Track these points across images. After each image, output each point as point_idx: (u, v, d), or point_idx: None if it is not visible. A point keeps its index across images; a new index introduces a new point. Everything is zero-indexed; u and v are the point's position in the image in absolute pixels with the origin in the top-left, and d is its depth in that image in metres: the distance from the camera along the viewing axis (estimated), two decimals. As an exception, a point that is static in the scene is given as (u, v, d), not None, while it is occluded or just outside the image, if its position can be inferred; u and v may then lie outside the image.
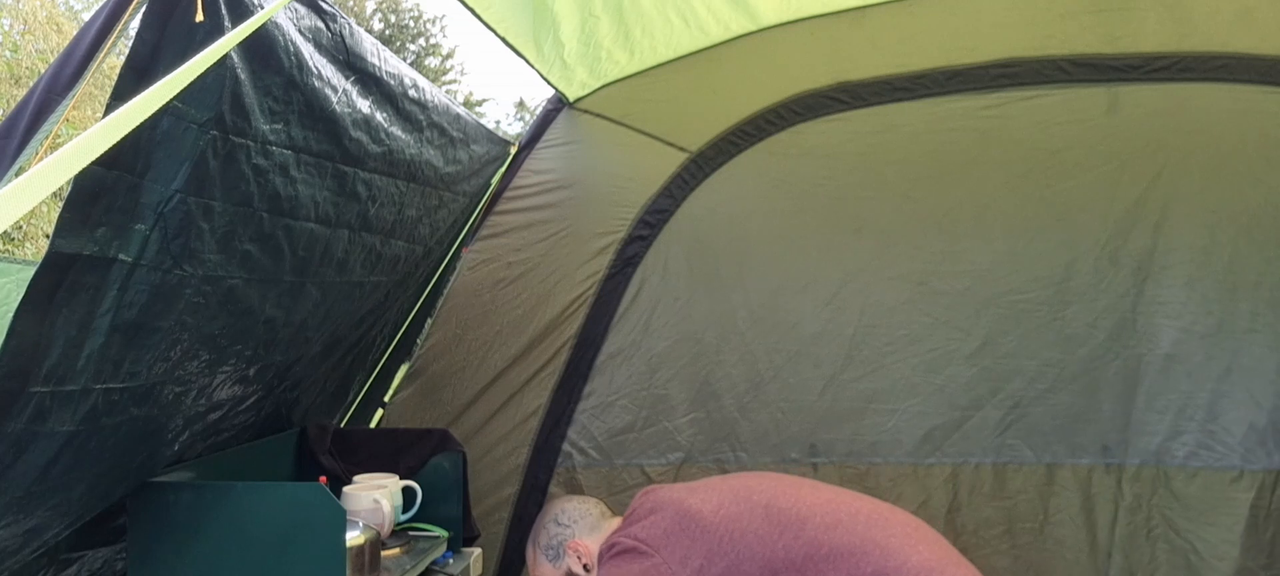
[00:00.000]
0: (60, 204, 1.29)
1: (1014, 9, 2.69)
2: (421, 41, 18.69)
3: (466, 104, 13.15)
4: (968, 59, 2.73)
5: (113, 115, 0.84)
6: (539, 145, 2.89)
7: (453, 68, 18.76)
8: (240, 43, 1.36)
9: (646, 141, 2.86)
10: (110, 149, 0.86)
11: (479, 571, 2.50)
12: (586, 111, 2.89)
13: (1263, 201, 2.65)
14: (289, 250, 1.77)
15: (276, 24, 1.48)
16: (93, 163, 0.87)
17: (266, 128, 1.53)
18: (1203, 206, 2.67)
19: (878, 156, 2.79)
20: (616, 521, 2.48)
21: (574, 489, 2.88)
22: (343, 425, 2.77)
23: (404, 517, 2.34)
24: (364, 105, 1.80)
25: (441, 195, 2.38)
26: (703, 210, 2.86)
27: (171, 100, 1.10)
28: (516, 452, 2.87)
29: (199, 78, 0.98)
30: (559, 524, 2.54)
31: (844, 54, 2.77)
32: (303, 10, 1.57)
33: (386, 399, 2.94)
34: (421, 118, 2.07)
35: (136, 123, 0.88)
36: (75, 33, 1.30)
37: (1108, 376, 2.71)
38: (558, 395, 2.87)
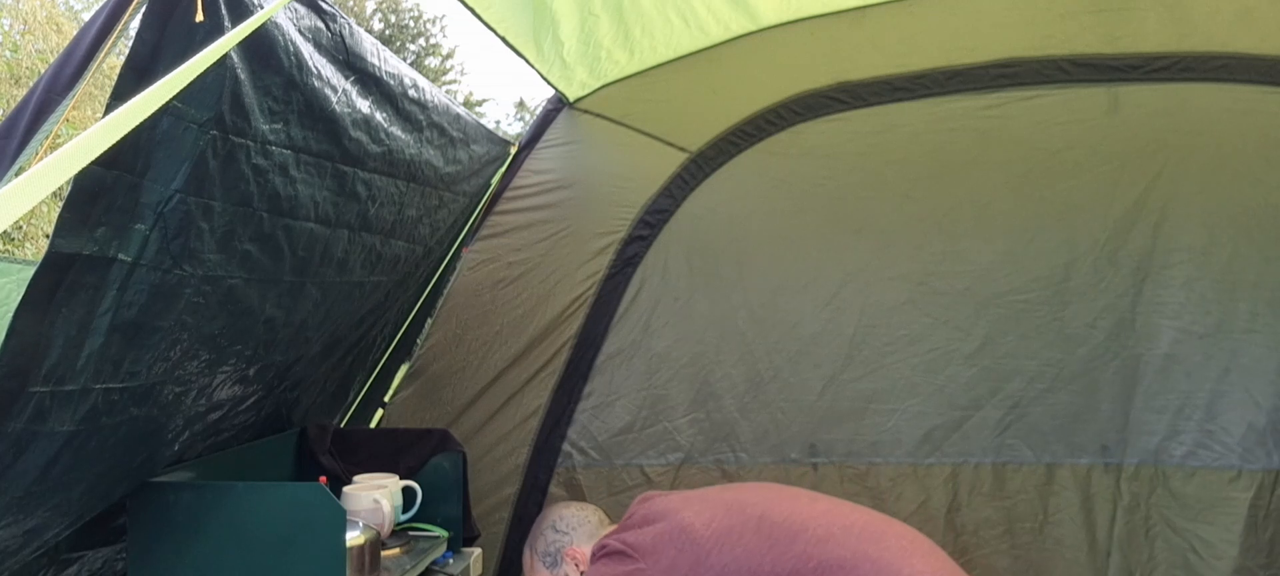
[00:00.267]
0: (60, 204, 1.29)
1: (1014, 9, 2.69)
2: (421, 41, 18.69)
3: (466, 104, 13.16)
4: (968, 59, 2.73)
5: (113, 115, 0.84)
6: (539, 145, 2.89)
7: (453, 68, 18.77)
8: (240, 43, 1.36)
9: (646, 141, 2.86)
10: (110, 149, 0.86)
11: (479, 571, 2.50)
12: (586, 111, 2.89)
13: (1262, 201, 2.65)
14: (289, 250, 1.77)
15: (276, 24, 1.48)
16: (93, 163, 0.87)
17: (266, 127, 1.53)
18: (1202, 206, 2.67)
19: (878, 156, 2.79)
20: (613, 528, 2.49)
21: (574, 489, 2.88)
22: (343, 425, 2.77)
23: (404, 517, 2.34)
24: (364, 105, 1.80)
25: (441, 195, 2.38)
26: (703, 210, 2.86)
27: (171, 100, 1.10)
28: (516, 452, 2.87)
29: (199, 78, 0.98)
30: (557, 530, 2.55)
31: (844, 54, 2.77)
32: (303, 10, 1.57)
33: (386, 399, 2.94)
34: (421, 118, 2.07)
35: (136, 123, 0.88)
36: (75, 33, 1.30)
37: (1107, 376, 2.71)
38: (558, 395, 2.87)
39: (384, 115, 1.89)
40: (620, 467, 2.88)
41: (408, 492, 2.36)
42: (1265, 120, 2.62)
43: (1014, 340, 2.74)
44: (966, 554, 2.75)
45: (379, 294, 2.35)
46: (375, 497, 2.20)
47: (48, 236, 1.36)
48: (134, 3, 1.26)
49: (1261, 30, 2.59)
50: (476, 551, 2.49)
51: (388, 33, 18.19)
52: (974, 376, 2.75)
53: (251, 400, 2.07)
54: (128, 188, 1.33)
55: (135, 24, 1.28)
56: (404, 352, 2.95)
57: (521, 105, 18.28)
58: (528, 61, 2.53)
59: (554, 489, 2.89)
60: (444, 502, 2.43)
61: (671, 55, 2.80)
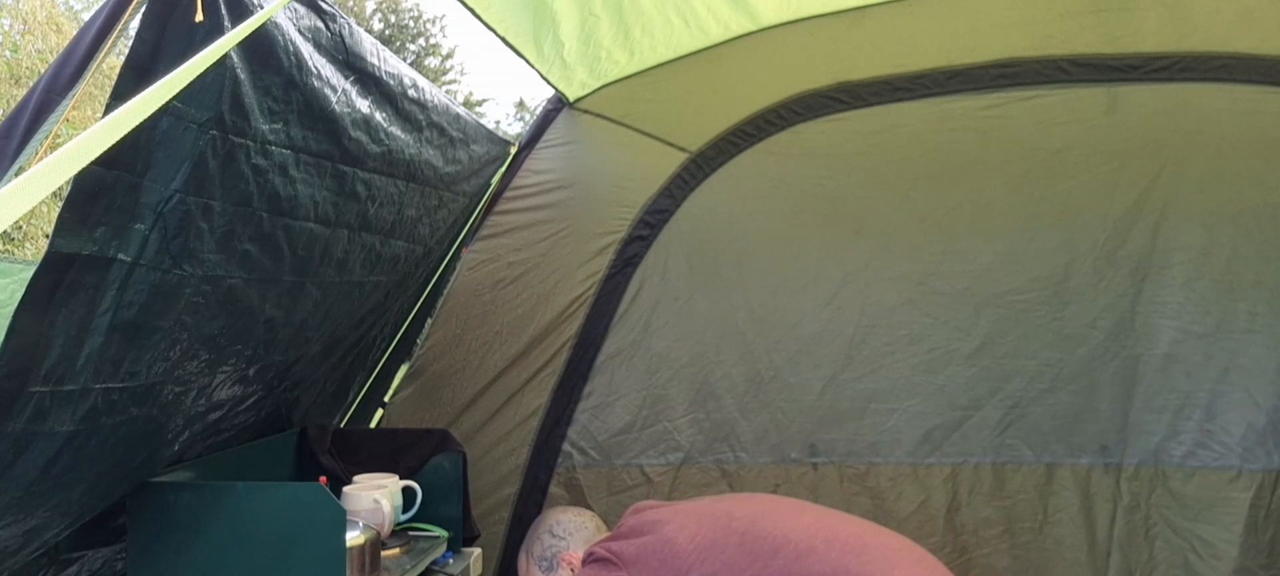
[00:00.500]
0: (60, 204, 1.29)
1: (1014, 9, 2.69)
2: (421, 41, 18.69)
3: (466, 104, 13.16)
4: (968, 59, 2.73)
5: (113, 115, 0.84)
6: (539, 145, 2.89)
7: (453, 68, 18.76)
8: (240, 43, 1.36)
9: (646, 141, 2.86)
10: (110, 149, 0.86)
11: (479, 571, 2.50)
12: (586, 111, 2.89)
13: (1262, 201, 2.65)
14: (289, 250, 1.77)
15: (276, 24, 1.48)
16: (92, 162, 0.87)
17: (266, 127, 1.53)
18: (1202, 206, 2.67)
19: (878, 156, 2.79)
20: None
21: (574, 489, 2.88)
22: (343, 425, 2.77)
23: (404, 517, 2.34)
24: (363, 105, 1.80)
25: (441, 195, 2.38)
26: (703, 210, 2.86)
27: (171, 100, 1.10)
28: (516, 452, 2.87)
29: (199, 78, 0.98)
30: (554, 535, 2.56)
31: (844, 54, 2.77)
32: (302, 10, 1.57)
33: (386, 399, 2.94)
34: (421, 117, 2.07)
35: (136, 122, 0.88)
36: (75, 33, 1.30)
37: (1106, 376, 2.71)
38: (558, 395, 2.87)
39: (384, 115, 1.89)
40: (620, 467, 2.88)
41: (408, 492, 2.36)
42: (1265, 120, 2.62)
43: (1014, 340, 2.74)
44: (966, 554, 2.75)
45: (379, 294, 2.35)
46: (375, 497, 2.20)
47: (48, 236, 1.36)
48: (134, 3, 1.26)
49: (1261, 30, 2.59)
50: (476, 551, 2.49)
51: (387, 33, 18.19)
52: (974, 376, 2.76)
53: (251, 400, 2.07)
54: (128, 188, 1.33)
55: (135, 24, 1.28)
56: (404, 352, 2.95)
57: (521, 105, 18.28)
58: (528, 61, 2.53)
59: (554, 489, 2.89)
60: (444, 502, 2.43)
61: (671, 55, 2.80)
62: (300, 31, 1.56)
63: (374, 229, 2.07)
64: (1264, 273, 2.65)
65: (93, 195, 1.29)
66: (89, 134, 0.81)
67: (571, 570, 2.47)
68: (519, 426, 2.87)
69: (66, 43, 1.35)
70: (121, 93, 1.25)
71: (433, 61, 18.47)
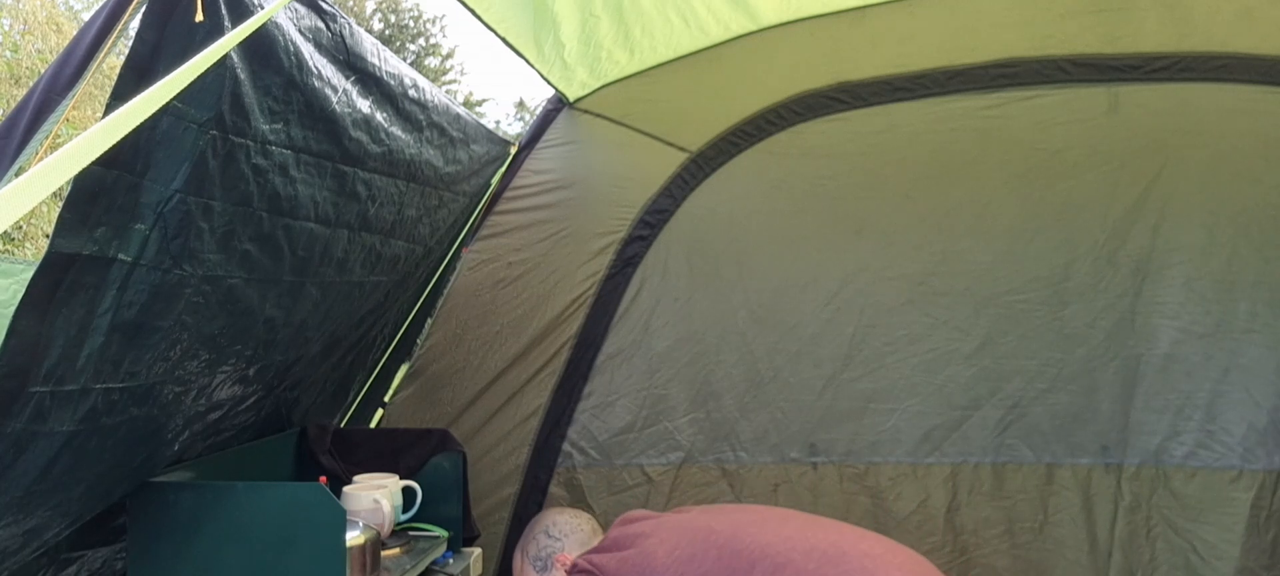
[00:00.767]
0: (60, 204, 1.29)
1: (1014, 9, 2.69)
2: (421, 41, 18.68)
3: (466, 104, 13.15)
4: (968, 59, 2.73)
5: (113, 115, 0.84)
6: (539, 145, 2.89)
7: (453, 68, 18.75)
8: (240, 43, 1.36)
9: (646, 141, 2.86)
10: (110, 149, 0.86)
11: (479, 571, 2.50)
12: (586, 111, 2.89)
13: (1262, 201, 2.65)
14: (289, 250, 1.77)
15: (276, 24, 1.48)
16: (93, 163, 0.87)
17: (266, 127, 1.53)
18: (1202, 206, 2.67)
19: (878, 156, 2.79)
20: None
21: (574, 489, 2.88)
22: (343, 425, 2.77)
23: (404, 517, 2.34)
24: (364, 105, 1.80)
25: (441, 195, 2.38)
26: (703, 210, 2.86)
27: (171, 100, 1.10)
28: (516, 452, 2.87)
29: (199, 78, 0.98)
30: (550, 536, 2.57)
31: (844, 54, 2.77)
32: (303, 10, 1.57)
33: (386, 399, 2.94)
34: (421, 118, 2.07)
35: (136, 123, 0.88)
36: (75, 33, 1.30)
37: (1107, 376, 2.71)
38: (558, 395, 2.87)
39: (384, 115, 1.89)
40: (621, 467, 2.88)
41: (408, 492, 2.36)
42: (1265, 120, 2.62)
43: (1014, 340, 2.74)
44: (966, 554, 2.75)
45: (379, 294, 2.35)
46: (375, 497, 2.20)
47: (48, 236, 1.36)
48: (134, 3, 1.26)
49: (1261, 30, 2.59)
50: (476, 551, 2.49)
51: (388, 33, 18.18)
52: (974, 376, 2.76)
53: (251, 400, 2.07)
54: (128, 188, 1.33)
55: (135, 24, 1.28)
56: (404, 352, 2.95)
57: (521, 105, 18.27)
58: (528, 62, 2.53)
59: (554, 489, 2.89)
60: (444, 502, 2.43)
61: (671, 55, 2.80)
62: (301, 32, 1.56)
63: (374, 229, 2.07)
64: (1264, 272, 2.65)
65: (93, 195, 1.29)
66: (89, 134, 0.81)
67: (566, 570, 2.48)
68: (519, 426, 2.87)
69: (66, 43, 1.35)
70: (121, 93, 1.25)
71: (433, 61, 18.47)
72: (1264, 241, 2.65)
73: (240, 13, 1.36)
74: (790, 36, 2.79)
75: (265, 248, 1.69)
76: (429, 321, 2.93)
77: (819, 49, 2.78)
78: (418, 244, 2.39)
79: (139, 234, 1.39)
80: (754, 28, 2.78)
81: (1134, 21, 2.64)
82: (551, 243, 2.86)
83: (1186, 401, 2.68)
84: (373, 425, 2.92)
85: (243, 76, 1.43)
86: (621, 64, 2.77)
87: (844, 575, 2.11)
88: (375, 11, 18.49)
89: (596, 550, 2.45)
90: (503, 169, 2.84)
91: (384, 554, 2.13)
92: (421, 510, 2.38)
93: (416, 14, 18.60)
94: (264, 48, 1.47)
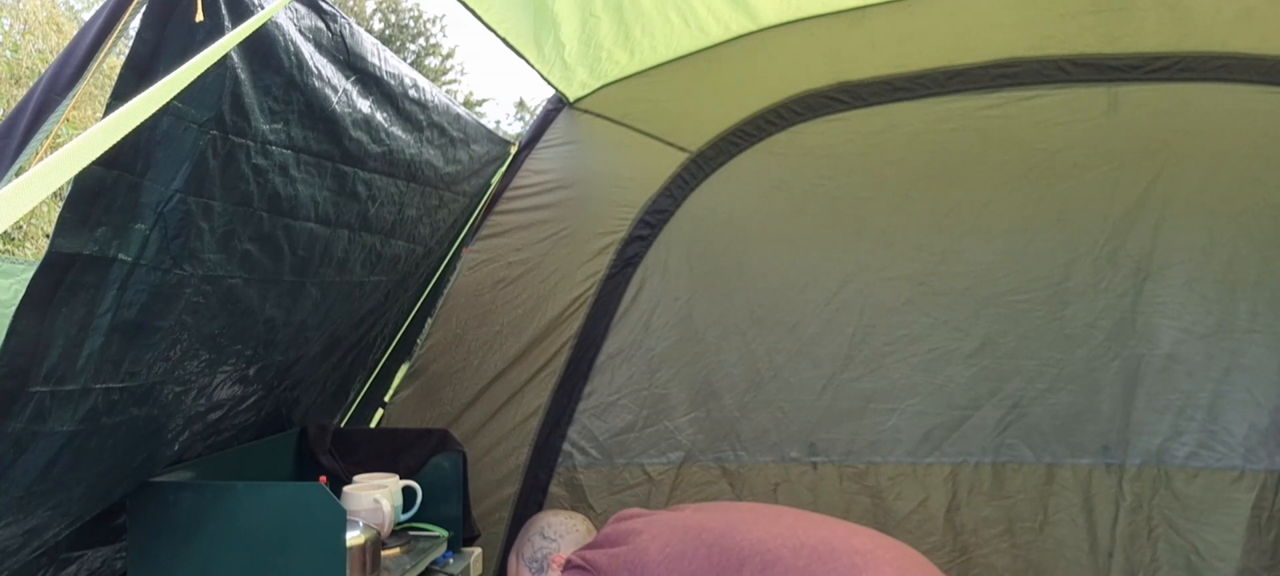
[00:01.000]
0: (60, 204, 1.29)
1: (1014, 9, 2.69)
2: (421, 41, 18.67)
3: (466, 104, 13.14)
4: (968, 59, 2.73)
5: (113, 115, 0.84)
6: (539, 145, 2.89)
7: (453, 68, 18.75)
8: (240, 43, 1.36)
9: (646, 141, 2.86)
10: (110, 149, 0.86)
11: (479, 571, 2.50)
12: (587, 111, 2.89)
13: (1262, 201, 2.65)
14: (289, 250, 1.77)
15: (276, 24, 1.48)
16: (93, 163, 0.87)
17: (266, 127, 1.53)
18: (1202, 206, 2.67)
19: (878, 156, 2.79)
20: None
21: (575, 488, 2.89)
22: (343, 425, 2.77)
23: (404, 517, 2.34)
24: (364, 105, 1.80)
25: (441, 195, 2.38)
26: (703, 210, 2.86)
27: (171, 100, 1.10)
28: (516, 452, 2.87)
29: (199, 78, 0.98)
30: (546, 537, 2.58)
31: (844, 54, 2.77)
32: (303, 10, 1.57)
33: (386, 399, 2.94)
34: (422, 118, 2.07)
35: (136, 123, 0.88)
36: (75, 33, 1.30)
37: (1108, 376, 2.71)
38: (558, 395, 2.87)
39: (384, 115, 1.89)
40: (621, 466, 2.88)
41: (408, 492, 2.36)
42: (1265, 120, 2.62)
43: (1014, 340, 2.74)
44: (966, 553, 2.75)
45: (379, 294, 2.35)
46: (375, 497, 2.20)
47: (48, 236, 1.36)
48: (134, 3, 1.26)
49: (1261, 30, 2.59)
50: (476, 551, 2.49)
51: (388, 33, 18.18)
52: (974, 376, 2.76)
53: (251, 400, 2.07)
54: (128, 188, 1.33)
55: (135, 24, 1.28)
56: (404, 352, 2.95)
57: (521, 105, 18.26)
58: (528, 62, 2.53)
59: (555, 489, 2.89)
60: (444, 502, 2.43)
61: (671, 55, 2.80)
62: (301, 32, 1.56)
63: (374, 229, 2.07)
64: (1265, 272, 2.65)
65: (93, 195, 1.29)
66: (89, 134, 0.81)
67: (560, 570, 2.49)
68: (519, 426, 2.87)
69: (66, 43, 1.35)
70: (122, 93, 1.25)
71: (433, 61, 18.46)
72: (1265, 241, 2.65)
73: (240, 13, 1.36)
74: (790, 36, 2.79)
75: (265, 248, 1.69)
76: (429, 321, 2.93)
77: (819, 49, 2.78)
78: (418, 244, 2.39)
79: (139, 234, 1.39)
80: (754, 28, 2.78)
81: (1134, 21, 2.64)
82: (551, 243, 2.86)
83: (1188, 402, 2.68)
84: (373, 425, 2.91)
85: (243, 76, 1.43)
86: (621, 64, 2.77)
87: (833, 571, 2.12)
88: (375, 11, 18.48)
89: (590, 546, 2.45)
90: (503, 169, 2.84)
91: (384, 554, 2.13)
92: (421, 510, 2.38)
93: (416, 14, 18.60)
94: (264, 48, 1.47)
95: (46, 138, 1.25)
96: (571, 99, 2.87)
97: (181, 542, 1.83)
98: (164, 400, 1.69)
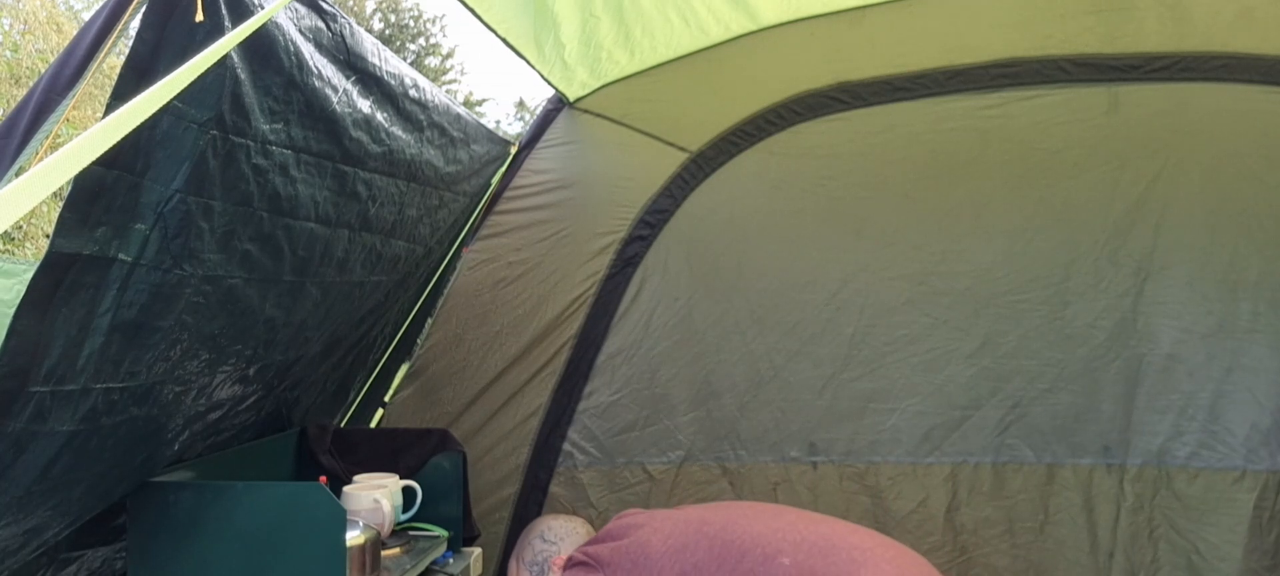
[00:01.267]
0: (60, 204, 1.29)
1: (1014, 9, 2.69)
2: (421, 41, 18.66)
3: (466, 104, 13.14)
4: (968, 59, 2.73)
5: (113, 115, 0.84)
6: (539, 145, 2.89)
7: (453, 68, 18.74)
8: (241, 43, 1.36)
9: (647, 141, 2.86)
10: (110, 149, 0.86)
11: (479, 571, 2.50)
12: (587, 111, 2.89)
13: (1263, 201, 2.64)
14: (289, 250, 1.77)
15: (276, 24, 1.48)
16: (93, 163, 0.87)
17: (266, 127, 1.53)
18: (1203, 206, 2.67)
19: (878, 156, 2.79)
20: None
21: (576, 487, 2.89)
22: (343, 425, 2.77)
23: (404, 517, 2.34)
24: (364, 105, 1.79)
25: (442, 195, 2.38)
26: (703, 210, 2.86)
27: (171, 100, 1.10)
28: (517, 452, 2.87)
29: (199, 78, 0.98)
30: (545, 540, 2.59)
31: (844, 54, 2.77)
32: (303, 10, 1.57)
33: (386, 399, 2.94)
34: (422, 118, 2.07)
35: (136, 123, 0.88)
36: (75, 33, 1.30)
37: (1108, 376, 2.71)
38: (558, 395, 2.87)
39: (385, 115, 1.89)
40: (622, 465, 2.88)
41: (408, 492, 2.36)
42: (1266, 120, 2.62)
43: (1014, 340, 2.74)
44: (966, 553, 2.75)
45: (379, 294, 2.35)
46: (375, 497, 2.20)
47: (48, 236, 1.36)
48: (134, 3, 1.26)
49: (1261, 30, 2.59)
50: (476, 551, 2.49)
51: (388, 32, 18.18)
52: (974, 376, 2.75)
53: (251, 400, 2.07)
54: (128, 187, 1.33)
55: (135, 24, 1.28)
56: (404, 352, 2.95)
57: (521, 105, 18.25)
58: (528, 62, 2.53)
59: (555, 488, 2.89)
60: (444, 502, 2.43)
61: (671, 55, 2.80)
62: (301, 31, 1.56)
63: (374, 229, 2.07)
64: (1266, 272, 2.65)
65: (93, 195, 1.29)
66: (89, 134, 0.81)
67: (561, 570, 2.50)
68: (519, 426, 2.87)
69: (66, 43, 1.35)
70: (122, 93, 1.25)
71: (433, 61, 18.46)
72: (1266, 241, 2.65)
73: (240, 13, 1.36)
74: (790, 36, 2.79)
75: (265, 248, 1.69)
76: (429, 321, 2.93)
77: (819, 49, 2.78)
78: (418, 244, 2.39)
79: (139, 234, 1.39)
80: (754, 28, 2.78)
81: (1134, 21, 2.64)
82: (552, 243, 2.86)
83: (1189, 401, 2.68)
84: (373, 425, 2.91)
85: (243, 76, 1.43)
86: (621, 64, 2.77)
87: (832, 565, 2.15)
88: (375, 11, 18.48)
89: (592, 542, 2.47)
90: (503, 169, 2.84)
91: (384, 553, 2.13)
92: (421, 510, 2.38)
93: (416, 14, 18.59)
94: (264, 48, 1.47)
95: (46, 138, 1.25)
96: (571, 99, 2.87)
97: (181, 542, 1.83)
98: (164, 400, 1.69)
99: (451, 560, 2.37)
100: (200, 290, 1.58)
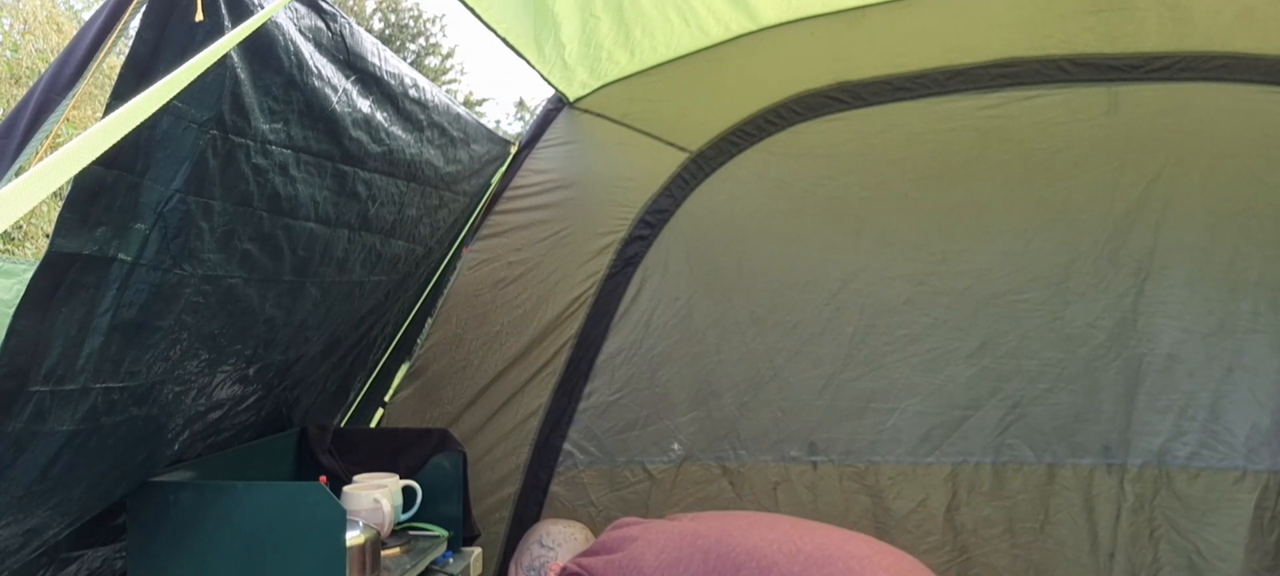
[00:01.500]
0: (60, 204, 1.29)
1: (1014, 9, 2.69)
2: (421, 41, 18.66)
3: (466, 104, 13.13)
4: (968, 59, 2.73)
5: (113, 115, 0.84)
6: (539, 145, 2.89)
7: (453, 67, 18.74)
8: (240, 43, 1.36)
9: (646, 141, 2.86)
10: (110, 149, 0.86)
11: (479, 571, 2.50)
12: (587, 111, 2.89)
13: (1263, 200, 2.64)
14: (289, 250, 1.77)
15: (276, 24, 1.48)
16: (93, 162, 0.87)
17: (266, 127, 1.53)
18: (1203, 206, 2.67)
19: (878, 156, 2.79)
20: None
21: (576, 487, 2.89)
22: (343, 425, 2.77)
23: (404, 517, 2.34)
24: (364, 105, 1.79)
25: (442, 195, 2.38)
26: (703, 210, 2.86)
27: (171, 100, 1.10)
28: (517, 452, 2.87)
29: (199, 77, 0.98)
30: (544, 546, 2.59)
31: (844, 54, 2.77)
32: (303, 10, 1.57)
33: (386, 399, 2.94)
34: (422, 117, 2.07)
35: (136, 123, 0.88)
36: (75, 33, 1.30)
37: (1108, 376, 2.71)
38: (558, 395, 2.87)
39: (384, 115, 1.89)
40: (622, 465, 2.88)
41: (408, 492, 2.36)
42: (1265, 120, 2.62)
43: (1014, 340, 2.74)
44: (966, 553, 2.75)
45: (379, 294, 2.35)
46: (375, 497, 2.20)
47: (48, 236, 1.36)
48: (134, 3, 1.26)
49: (1261, 30, 2.59)
50: (476, 551, 2.49)
51: (387, 32, 18.17)
52: (974, 376, 2.75)
53: (251, 399, 2.07)
54: (128, 187, 1.33)
55: (135, 24, 1.28)
56: (404, 352, 2.95)
57: (521, 105, 18.25)
58: (528, 62, 2.53)
59: (555, 488, 2.89)
60: (444, 502, 2.43)
61: (671, 55, 2.80)
62: (301, 31, 1.56)
63: (374, 229, 2.07)
64: (1267, 271, 2.65)
65: (93, 195, 1.29)
66: (89, 134, 0.81)
67: None
68: (519, 426, 2.87)
69: (66, 43, 1.35)
70: (121, 93, 1.25)
71: (433, 61, 18.45)
72: (1266, 240, 2.65)
73: (240, 12, 1.36)
74: (790, 36, 2.79)
75: (265, 247, 1.69)
76: (429, 321, 2.93)
77: (819, 49, 2.78)
78: (418, 244, 2.39)
79: (139, 233, 1.39)
80: (754, 28, 2.78)
81: (1134, 21, 2.64)
82: (551, 242, 2.86)
83: (1190, 401, 2.68)
84: (373, 425, 2.92)
85: (243, 76, 1.43)
86: (621, 64, 2.77)
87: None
88: (375, 11, 18.48)
89: (586, 553, 2.47)
90: (503, 169, 2.84)
91: (384, 553, 2.13)
92: (421, 510, 2.38)
93: (416, 14, 18.59)
94: (264, 47, 1.47)
95: (46, 138, 1.25)
96: (571, 99, 2.87)
97: (181, 542, 1.83)
98: (164, 400, 1.69)
99: (451, 560, 2.37)
100: (200, 290, 1.58)
